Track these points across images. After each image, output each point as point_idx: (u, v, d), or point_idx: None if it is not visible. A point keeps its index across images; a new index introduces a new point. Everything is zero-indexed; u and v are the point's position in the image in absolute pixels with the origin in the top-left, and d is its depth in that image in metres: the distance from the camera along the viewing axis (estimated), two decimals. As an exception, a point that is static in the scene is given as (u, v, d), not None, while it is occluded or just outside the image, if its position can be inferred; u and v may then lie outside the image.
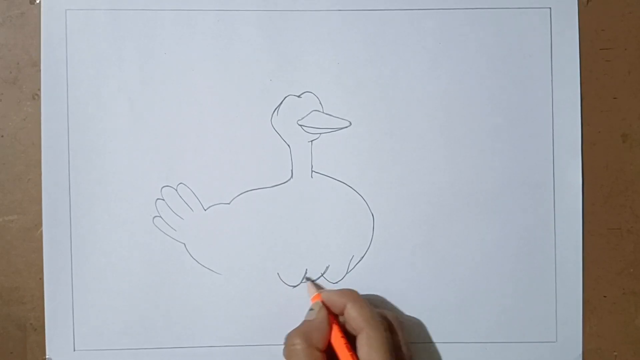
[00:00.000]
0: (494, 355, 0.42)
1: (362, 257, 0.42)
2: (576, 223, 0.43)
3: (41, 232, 0.42)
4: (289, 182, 0.42)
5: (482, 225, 0.43)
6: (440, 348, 0.43)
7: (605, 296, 0.43)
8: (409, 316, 0.43)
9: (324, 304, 0.39)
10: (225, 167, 0.42)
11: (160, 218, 0.42)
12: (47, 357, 0.42)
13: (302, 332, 0.37)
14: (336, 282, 0.42)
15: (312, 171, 0.42)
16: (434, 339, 0.43)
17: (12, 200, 0.42)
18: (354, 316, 0.37)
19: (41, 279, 0.42)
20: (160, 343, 0.42)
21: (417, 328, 0.43)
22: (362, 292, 0.42)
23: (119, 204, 0.42)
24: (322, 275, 0.42)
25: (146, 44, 0.42)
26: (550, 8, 0.42)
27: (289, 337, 0.37)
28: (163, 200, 0.42)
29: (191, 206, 0.42)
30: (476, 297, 0.43)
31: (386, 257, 0.42)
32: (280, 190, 0.42)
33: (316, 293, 0.40)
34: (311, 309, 0.39)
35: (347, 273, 0.42)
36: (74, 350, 0.42)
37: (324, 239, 0.42)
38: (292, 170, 0.42)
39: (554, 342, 0.43)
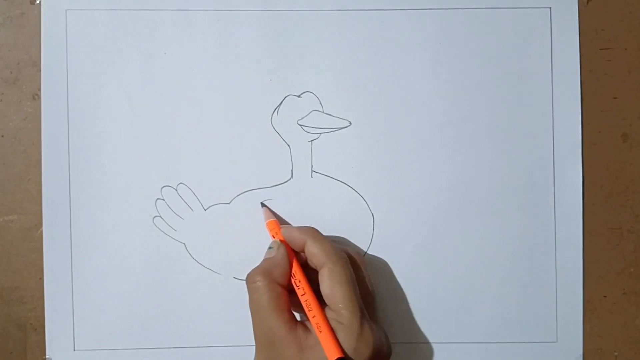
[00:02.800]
0: (494, 355, 0.42)
1: (362, 257, 0.42)
2: (576, 223, 0.43)
3: (41, 232, 0.42)
4: (289, 182, 0.42)
5: (482, 225, 0.43)
6: (440, 348, 0.42)
7: (605, 296, 0.43)
8: (409, 316, 0.43)
9: (283, 242, 0.39)
10: (225, 167, 0.42)
11: (160, 218, 0.42)
12: (47, 357, 0.42)
13: (263, 268, 0.37)
14: (336, 282, 0.42)
15: (312, 171, 0.42)
16: (434, 339, 0.43)
17: (12, 200, 0.42)
18: (314, 252, 0.37)
19: (41, 279, 0.42)
20: (160, 343, 0.42)
21: (416, 328, 0.43)
22: (362, 292, 0.42)
23: (119, 204, 0.42)
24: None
25: (146, 44, 0.42)
26: (550, 8, 0.42)
27: (250, 276, 0.37)
28: (163, 200, 0.42)
29: (191, 206, 0.42)
30: (476, 297, 0.42)
31: (386, 257, 0.42)
32: (280, 190, 0.42)
33: (271, 219, 0.40)
34: (270, 247, 0.39)
35: (347, 273, 0.42)
36: (74, 350, 0.42)
37: (324, 239, 0.42)
38: (292, 170, 0.42)
39: (555, 342, 0.43)
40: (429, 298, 0.42)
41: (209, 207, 0.42)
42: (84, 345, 0.42)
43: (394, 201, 0.42)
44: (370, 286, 0.39)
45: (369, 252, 0.42)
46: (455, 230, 0.42)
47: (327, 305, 0.37)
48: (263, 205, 0.42)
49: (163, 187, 0.42)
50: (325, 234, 0.42)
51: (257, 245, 0.42)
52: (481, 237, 0.42)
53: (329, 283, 0.36)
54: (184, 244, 0.42)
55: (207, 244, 0.42)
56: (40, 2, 0.42)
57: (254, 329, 0.37)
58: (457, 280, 0.42)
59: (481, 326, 0.43)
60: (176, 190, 0.42)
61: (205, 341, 0.42)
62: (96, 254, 0.42)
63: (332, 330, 0.35)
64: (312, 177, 0.42)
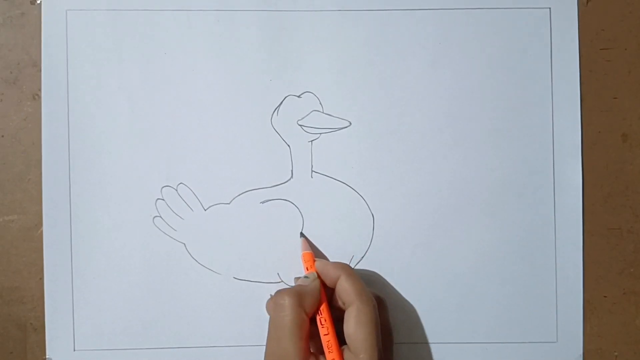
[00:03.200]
0: (494, 355, 0.42)
1: (362, 257, 0.42)
2: (576, 223, 0.43)
3: (41, 232, 0.42)
4: (289, 182, 0.42)
5: (482, 225, 0.43)
6: (440, 348, 0.42)
7: (605, 296, 0.43)
8: (409, 316, 0.43)
9: (318, 275, 0.39)
10: (225, 167, 0.42)
11: (160, 218, 0.42)
12: (47, 357, 0.42)
13: (295, 291, 0.37)
14: (336, 282, 0.42)
15: (312, 171, 0.42)
16: (434, 339, 0.43)
17: (12, 200, 0.42)
18: (346, 288, 0.37)
19: (41, 279, 0.42)
20: (160, 343, 0.42)
21: (417, 328, 0.43)
22: (362, 292, 0.42)
23: (119, 204, 0.42)
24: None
25: (146, 44, 0.42)
26: (550, 8, 0.42)
27: (279, 292, 0.37)
28: (163, 200, 0.42)
29: (191, 206, 0.42)
30: (476, 297, 0.42)
31: (386, 257, 0.42)
32: (280, 190, 0.42)
33: (307, 251, 0.40)
34: (305, 277, 0.39)
35: (347, 273, 0.42)
36: (74, 350, 0.42)
37: (324, 239, 0.42)
38: (292, 170, 0.42)
39: (555, 342, 0.43)
40: (429, 298, 0.42)
41: (209, 207, 0.42)
42: (84, 345, 0.42)
43: (394, 201, 0.42)
44: (390, 332, 0.39)
45: (369, 252, 0.42)
46: (455, 230, 0.42)
47: (346, 344, 0.36)
48: (302, 235, 0.42)
49: (163, 187, 0.42)
50: (325, 234, 0.42)
51: (257, 245, 0.42)
52: (481, 237, 0.42)
53: (353, 322, 0.36)
54: (184, 244, 0.42)
55: (207, 244, 0.42)
56: (40, 2, 0.42)
57: (267, 348, 0.36)
58: (457, 280, 0.43)
59: (481, 326, 0.43)
60: (176, 190, 0.42)
61: (205, 341, 0.42)
62: (96, 254, 0.42)
63: None
64: (312, 177, 0.42)
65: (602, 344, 0.43)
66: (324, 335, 0.36)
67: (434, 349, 0.43)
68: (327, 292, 0.39)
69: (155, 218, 0.42)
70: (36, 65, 0.42)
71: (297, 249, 0.42)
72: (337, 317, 0.37)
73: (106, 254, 0.42)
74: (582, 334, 0.43)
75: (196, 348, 0.42)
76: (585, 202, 0.43)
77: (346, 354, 0.36)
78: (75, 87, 0.42)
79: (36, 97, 0.42)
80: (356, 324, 0.36)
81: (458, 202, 0.42)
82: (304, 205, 0.42)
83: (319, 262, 0.39)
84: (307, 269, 0.40)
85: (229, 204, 0.42)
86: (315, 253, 0.42)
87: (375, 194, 0.42)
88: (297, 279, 0.40)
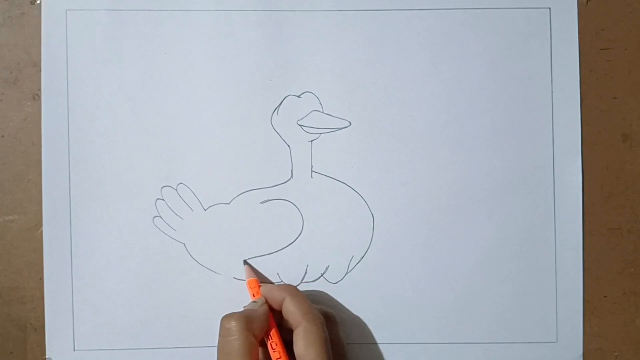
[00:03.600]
0: (494, 355, 0.42)
1: (362, 257, 0.42)
2: (576, 223, 0.43)
3: (41, 232, 0.42)
4: (289, 182, 0.42)
5: (482, 225, 0.43)
6: (440, 348, 0.42)
7: (605, 296, 0.43)
8: (409, 316, 0.43)
9: (265, 300, 0.39)
10: (225, 167, 0.42)
11: (160, 218, 0.42)
12: (47, 357, 0.42)
13: (243, 315, 0.37)
14: (336, 282, 0.42)
15: (312, 171, 0.42)
16: (434, 339, 0.43)
17: (12, 200, 0.42)
18: (292, 310, 0.37)
19: (41, 279, 0.42)
20: (160, 343, 0.42)
21: (416, 328, 0.43)
22: (361, 292, 0.42)
23: (119, 204, 0.42)
24: (322, 275, 0.42)
25: (146, 44, 0.42)
26: (550, 8, 0.42)
27: (226, 317, 0.36)
28: (163, 200, 0.42)
29: (191, 206, 0.42)
30: (476, 297, 0.42)
31: (386, 257, 0.42)
32: (280, 190, 0.42)
33: (252, 278, 0.40)
34: (253, 302, 0.39)
35: (347, 273, 0.42)
36: (74, 350, 0.42)
37: (324, 239, 0.42)
38: (292, 170, 0.42)
39: (554, 342, 0.43)
40: (428, 298, 0.42)
41: (209, 207, 0.42)
42: (84, 345, 0.42)
43: (394, 201, 0.42)
44: (341, 348, 0.39)
45: (369, 252, 0.42)
46: (455, 230, 0.42)
47: None
48: (245, 263, 0.42)
49: (163, 187, 0.42)
50: (325, 234, 0.42)
51: (257, 246, 0.42)
52: (481, 237, 0.42)
53: (303, 343, 0.36)
54: (184, 244, 0.42)
55: (207, 244, 0.42)
56: (40, 2, 0.42)
57: None
58: (456, 280, 0.42)
59: (481, 326, 0.43)
60: (176, 190, 0.42)
61: (205, 341, 0.42)
62: (96, 254, 0.42)
63: None
64: (312, 177, 0.42)
65: (602, 344, 0.43)
66: (277, 359, 0.37)
67: (433, 349, 0.43)
68: (277, 316, 0.39)
69: (155, 218, 0.42)
70: (36, 65, 0.42)
71: (297, 248, 0.42)
72: (290, 340, 0.37)
73: (106, 254, 0.42)
74: (582, 334, 0.43)
75: (196, 348, 0.42)
76: (585, 202, 0.43)
77: None
78: (75, 87, 0.42)
79: (36, 97, 0.42)
80: (305, 344, 0.36)
81: (458, 202, 0.42)
82: (304, 205, 0.42)
83: (264, 287, 0.39)
84: (254, 295, 0.40)
85: (229, 204, 0.42)
86: (261, 278, 0.42)
87: (375, 194, 0.42)
88: (245, 307, 0.40)
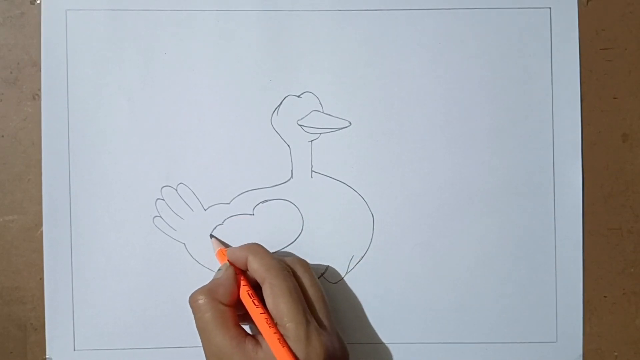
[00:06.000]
0: (494, 355, 0.42)
1: (362, 257, 0.42)
2: (576, 223, 0.43)
3: (41, 232, 0.42)
4: (289, 182, 0.42)
5: (482, 226, 0.43)
6: (441, 348, 0.42)
7: (605, 296, 0.43)
8: (409, 316, 0.43)
9: (230, 263, 0.39)
10: (225, 167, 0.42)
11: (160, 218, 0.42)
12: (47, 357, 0.42)
13: (206, 288, 0.37)
14: (336, 282, 0.42)
15: (312, 171, 0.42)
16: (434, 339, 0.43)
17: (12, 200, 0.42)
18: (255, 268, 0.37)
19: (41, 279, 0.42)
20: (160, 343, 0.42)
21: (416, 328, 0.43)
22: (361, 292, 0.42)
23: (119, 204, 0.42)
24: (322, 275, 0.42)
25: (146, 44, 0.42)
26: (550, 8, 0.42)
27: (192, 295, 0.37)
28: (163, 200, 0.42)
29: (191, 206, 0.42)
30: (476, 297, 0.42)
31: (386, 257, 0.42)
32: (280, 190, 0.42)
33: (220, 248, 0.40)
34: (219, 269, 0.39)
35: (347, 273, 0.42)
36: (74, 350, 0.42)
37: (324, 239, 0.42)
38: (292, 170, 0.42)
39: (554, 342, 0.43)
40: (428, 298, 0.42)
41: (209, 207, 0.42)
42: (84, 345, 0.42)
43: (394, 201, 0.42)
44: (318, 293, 0.39)
45: (369, 252, 0.42)
46: (455, 230, 0.42)
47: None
48: (212, 236, 0.42)
49: (163, 187, 0.42)
50: (325, 234, 0.42)
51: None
52: (481, 237, 0.42)
53: (271, 298, 0.36)
54: (184, 244, 0.42)
55: (207, 244, 0.42)
56: (40, 2, 0.42)
57: (203, 349, 0.36)
58: (457, 280, 0.42)
59: (481, 326, 0.43)
60: (176, 190, 0.42)
61: (205, 341, 0.42)
62: (96, 254, 0.42)
63: (289, 347, 0.35)
64: (312, 177, 0.42)
65: (602, 344, 0.43)
66: (260, 314, 0.36)
67: (433, 348, 0.43)
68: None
69: (155, 218, 0.42)
70: (36, 65, 0.42)
71: (297, 248, 0.42)
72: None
73: (106, 254, 0.42)
74: (582, 334, 0.43)
75: (196, 348, 0.42)
76: (585, 202, 0.43)
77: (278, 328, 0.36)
78: (75, 87, 0.42)
79: (36, 97, 0.42)
80: (274, 299, 0.36)
81: (458, 202, 0.42)
82: (304, 205, 0.42)
83: (228, 251, 0.39)
84: (220, 263, 0.40)
85: (228, 204, 0.42)
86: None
87: (375, 194, 0.42)
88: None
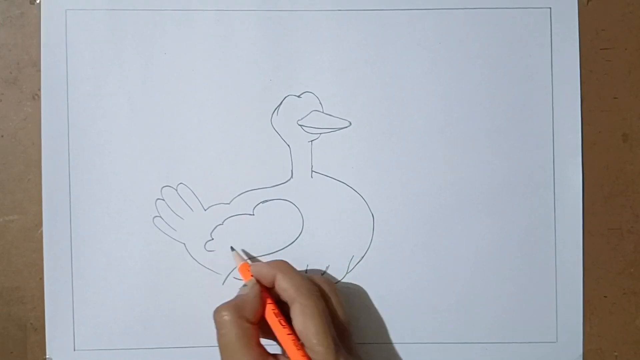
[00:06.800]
0: (494, 355, 0.42)
1: (362, 257, 0.42)
2: (576, 223, 0.43)
3: (41, 232, 0.42)
4: (289, 182, 0.42)
5: (482, 226, 0.42)
6: (440, 348, 0.42)
7: (605, 296, 0.43)
8: (409, 316, 0.43)
9: (257, 280, 0.38)
10: (225, 167, 0.42)
11: (160, 218, 0.42)
12: (47, 357, 0.42)
13: (233, 304, 0.36)
14: (336, 282, 0.42)
15: (312, 171, 0.42)
16: (434, 339, 0.43)
17: (12, 200, 0.42)
18: (284, 287, 0.37)
19: (41, 279, 0.42)
20: (160, 343, 0.42)
21: (417, 328, 0.43)
22: (361, 292, 0.42)
23: (119, 204, 0.42)
24: (322, 275, 0.42)
25: (146, 44, 0.42)
26: (550, 8, 0.42)
27: (217, 310, 0.36)
28: (163, 200, 0.42)
29: (191, 206, 0.42)
30: (476, 297, 0.43)
31: (386, 257, 0.42)
32: (280, 190, 0.42)
33: (242, 262, 0.40)
34: (244, 285, 0.38)
35: (347, 273, 0.42)
36: (74, 350, 0.42)
37: (324, 239, 0.42)
38: (292, 170, 0.42)
39: (554, 342, 0.43)
40: (428, 298, 0.42)
41: (209, 207, 0.42)
42: (84, 345, 0.42)
43: (394, 201, 0.42)
44: (343, 316, 0.39)
45: (369, 252, 0.42)
46: (455, 230, 0.42)
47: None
48: (232, 249, 0.42)
49: (163, 187, 0.42)
50: (325, 234, 0.42)
51: (257, 246, 0.42)
52: (481, 237, 0.42)
53: (301, 319, 0.36)
54: (184, 244, 0.42)
55: (208, 245, 0.42)
56: (40, 2, 0.42)
57: None
58: (457, 280, 0.42)
59: (481, 326, 0.43)
60: (176, 190, 0.42)
61: (205, 341, 0.42)
62: (96, 254, 0.42)
63: None
64: (312, 177, 0.42)
65: (602, 344, 0.43)
66: (287, 334, 0.36)
67: (434, 348, 0.43)
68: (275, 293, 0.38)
69: (155, 218, 0.42)
70: (36, 65, 0.42)
71: (297, 248, 0.42)
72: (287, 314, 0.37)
73: (106, 254, 0.42)
74: (582, 334, 0.43)
75: (196, 348, 0.42)
76: (585, 202, 0.43)
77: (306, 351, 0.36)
78: (75, 87, 0.42)
79: (36, 97, 0.42)
80: (303, 320, 0.35)
81: (458, 202, 0.42)
82: (304, 205, 0.42)
83: (253, 267, 0.39)
84: (245, 279, 0.39)
85: (228, 204, 0.42)
86: (252, 260, 0.42)
87: (375, 194, 0.42)
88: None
